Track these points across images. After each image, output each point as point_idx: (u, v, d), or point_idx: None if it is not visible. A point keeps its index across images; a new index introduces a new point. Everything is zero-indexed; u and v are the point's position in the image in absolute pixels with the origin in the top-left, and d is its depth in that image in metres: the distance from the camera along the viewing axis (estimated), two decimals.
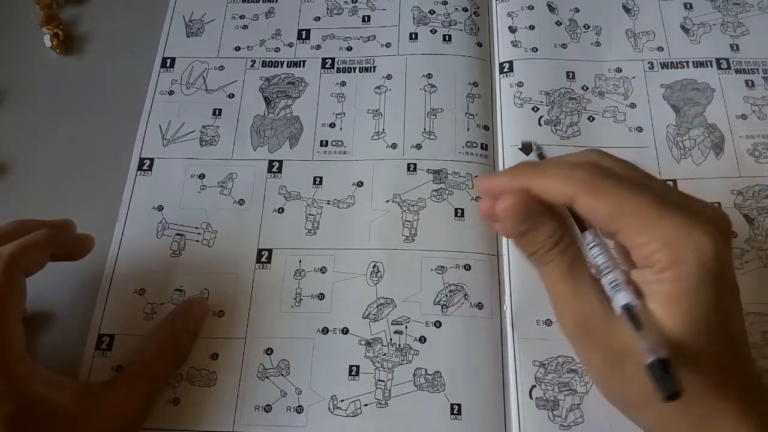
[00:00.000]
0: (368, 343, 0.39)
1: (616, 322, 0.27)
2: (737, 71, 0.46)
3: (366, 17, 0.50)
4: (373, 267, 0.40)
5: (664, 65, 0.47)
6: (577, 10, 0.49)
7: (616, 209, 0.27)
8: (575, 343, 0.29)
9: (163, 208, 0.43)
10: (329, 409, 0.37)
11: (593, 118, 0.45)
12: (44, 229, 0.35)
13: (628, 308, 0.26)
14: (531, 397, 0.37)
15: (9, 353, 0.31)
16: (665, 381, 0.24)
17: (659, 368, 0.24)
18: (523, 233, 0.28)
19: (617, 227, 0.27)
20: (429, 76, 0.47)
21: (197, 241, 0.42)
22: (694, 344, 0.25)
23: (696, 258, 0.25)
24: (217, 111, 0.46)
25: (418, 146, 0.44)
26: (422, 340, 0.39)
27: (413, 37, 0.48)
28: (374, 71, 0.47)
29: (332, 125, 0.45)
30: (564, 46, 0.48)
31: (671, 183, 0.42)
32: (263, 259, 0.41)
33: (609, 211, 0.27)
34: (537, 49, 0.47)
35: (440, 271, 0.40)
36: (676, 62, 0.47)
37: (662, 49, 0.47)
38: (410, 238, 0.41)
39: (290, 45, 0.49)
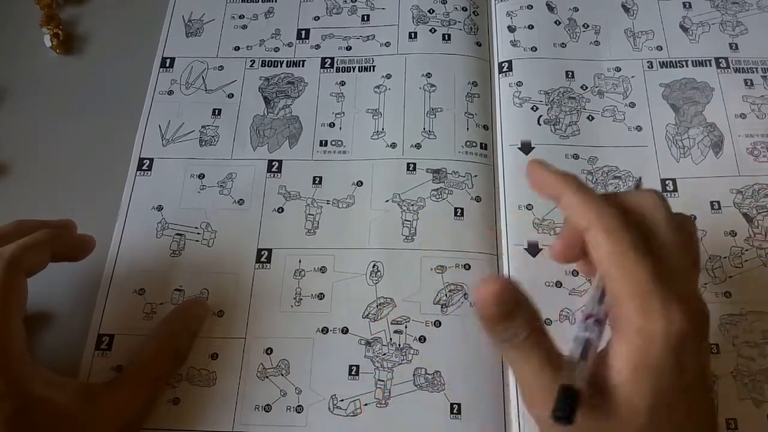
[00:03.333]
0: (368, 343, 0.39)
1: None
2: (736, 70, 0.46)
3: (365, 16, 0.50)
4: (373, 267, 0.40)
5: (664, 64, 0.47)
6: (576, 10, 0.49)
7: (617, 258, 0.27)
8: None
9: (162, 208, 0.43)
10: (329, 408, 0.37)
11: (592, 118, 0.45)
12: (45, 230, 0.35)
13: (586, 341, 0.27)
14: None
15: (10, 353, 0.31)
16: (565, 405, 0.24)
17: (569, 395, 0.25)
18: (502, 318, 0.28)
19: (608, 275, 0.27)
20: (428, 75, 0.47)
21: (197, 241, 0.42)
22: (643, 413, 0.26)
23: (664, 336, 0.25)
24: (216, 111, 0.46)
25: (418, 146, 0.44)
26: (422, 339, 0.39)
27: (412, 36, 0.48)
28: (373, 71, 0.47)
29: (332, 125, 0.45)
30: (563, 45, 0.48)
31: (671, 182, 0.43)
32: (263, 259, 0.41)
33: (611, 253, 0.27)
34: (536, 49, 0.47)
35: (440, 271, 0.40)
36: (676, 61, 0.47)
37: (661, 48, 0.47)
38: (410, 237, 0.41)
39: (289, 45, 0.49)
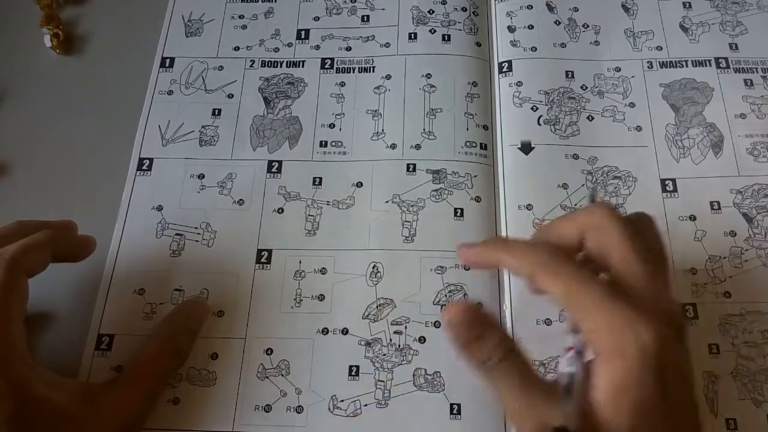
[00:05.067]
0: (368, 344, 0.39)
1: None
2: (736, 70, 0.46)
3: (365, 17, 0.50)
4: (373, 267, 0.40)
5: (663, 64, 0.47)
6: (576, 10, 0.49)
7: (569, 292, 0.27)
8: None
9: (162, 208, 0.43)
10: (329, 409, 0.37)
11: (592, 118, 0.45)
12: (46, 230, 0.35)
13: (569, 377, 0.27)
14: None
15: (11, 353, 0.31)
16: None
17: None
18: (473, 340, 0.29)
19: (571, 310, 0.28)
20: (428, 75, 0.47)
21: (197, 241, 0.42)
22: None
23: (637, 351, 0.25)
24: (216, 111, 0.46)
25: (418, 146, 0.44)
26: (422, 340, 0.39)
27: (412, 36, 0.48)
28: (373, 71, 0.47)
29: (332, 126, 0.45)
30: (563, 45, 0.48)
31: (670, 182, 0.43)
32: (263, 260, 0.41)
33: (563, 292, 0.27)
34: (536, 49, 0.47)
35: (440, 271, 0.40)
36: (675, 61, 0.47)
37: (661, 48, 0.47)
38: (410, 238, 0.41)
39: (289, 45, 0.49)
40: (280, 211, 0.43)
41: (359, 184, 0.43)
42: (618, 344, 0.26)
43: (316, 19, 0.50)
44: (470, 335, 0.29)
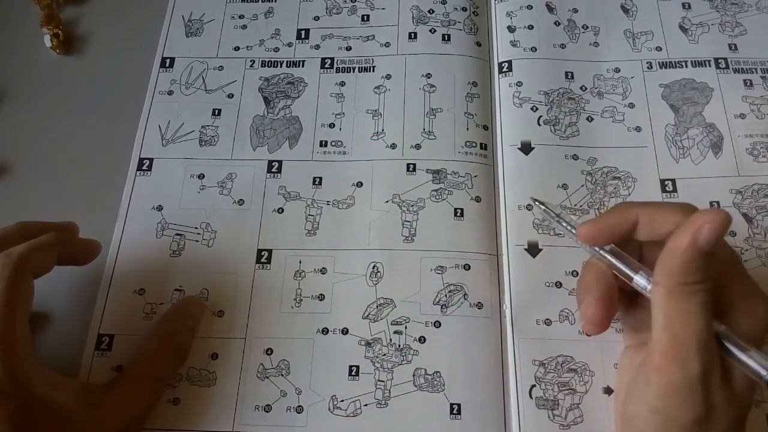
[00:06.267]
0: (368, 344, 0.39)
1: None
2: (735, 71, 0.46)
3: (365, 17, 0.50)
4: (373, 267, 0.41)
5: (663, 65, 0.47)
6: (575, 11, 0.49)
7: (735, 258, 0.32)
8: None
9: (162, 208, 0.43)
10: (329, 409, 0.37)
11: (592, 118, 0.45)
12: (53, 233, 0.36)
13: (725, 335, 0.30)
14: (531, 397, 0.37)
15: (15, 353, 0.31)
16: None
17: None
18: (708, 255, 0.29)
19: (729, 273, 0.31)
20: (428, 75, 0.47)
21: (197, 241, 0.42)
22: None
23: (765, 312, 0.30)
24: (216, 111, 0.46)
25: (418, 146, 0.44)
26: (422, 340, 0.39)
27: (412, 36, 0.48)
28: (373, 71, 0.47)
29: (332, 125, 0.45)
30: (563, 46, 0.48)
31: (670, 182, 0.43)
32: (263, 260, 0.41)
33: (732, 255, 0.32)
34: (536, 49, 0.47)
35: (440, 271, 0.40)
36: (675, 62, 0.47)
37: (661, 48, 0.47)
38: (410, 238, 0.41)
39: (289, 45, 0.49)
40: (280, 211, 0.43)
41: (359, 184, 0.43)
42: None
43: (316, 18, 0.50)
44: (711, 248, 0.29)
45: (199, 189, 0.44)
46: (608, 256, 0.33)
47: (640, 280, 0.31)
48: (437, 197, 0.43)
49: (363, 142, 0.45)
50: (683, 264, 0.28)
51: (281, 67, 0.48)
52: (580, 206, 0.42)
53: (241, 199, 0.43)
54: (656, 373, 0.29)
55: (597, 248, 0.33)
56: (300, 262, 0.41)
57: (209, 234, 0.42)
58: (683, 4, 0.49)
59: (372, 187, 0.43)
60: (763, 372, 0.28)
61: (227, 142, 0.45)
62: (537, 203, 0.36)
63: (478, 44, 0.48)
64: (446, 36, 0.48)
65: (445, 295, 0.40)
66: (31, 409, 0.31)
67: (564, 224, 0.35)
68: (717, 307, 0.30)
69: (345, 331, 0.39)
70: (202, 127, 0.46)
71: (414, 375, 0.38)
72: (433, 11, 0.49)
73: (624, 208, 0.32)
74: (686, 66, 0.47)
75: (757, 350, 0.29)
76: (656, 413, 0.30)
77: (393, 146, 0.44)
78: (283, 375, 0.38)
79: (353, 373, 0.38)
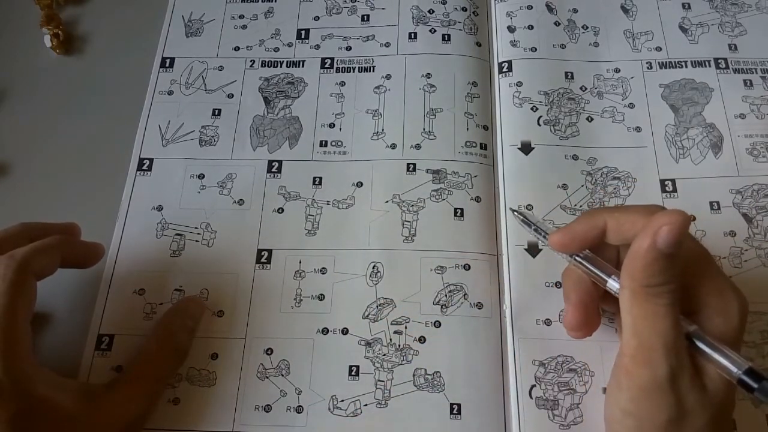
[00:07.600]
0: (368, 344, 0.39)
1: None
2: (735, 71, 0.46)
3: (365, 17, 0.50)
4: (373, 267, 0.41)
5: (663, 65, 0.47)
6: (575, 11, 0.49)
7: (705, 254, 0.31)
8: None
9: (162, 208, 0.43)
10: (329, 409, 0.37)
11: (592, 119, 0.45)
12: (57, 235, 0.36)
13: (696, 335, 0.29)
14: (531, 397, 0.37)
15: (17, 354, 0.31)
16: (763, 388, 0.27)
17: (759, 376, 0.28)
18: (671, 256, 0.29)
19: (699, 272, 0.31)
20: (428, 75, 0.47)
21: (197, 241, 0.42)
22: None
23: (739, 309, 0.30)
24: (216, 111, 0.46)
25: (418, 146, 0.44)
26: (422, 340, 0.39)
27: (412, 36, 0.48)
28: (373, 71, 0.47)
29: (332, 125, 0.45)
30: (563, 46, 0.48)
31: (670, 182, 0.43)
32: (263, 260, 0.41)
33: (703, 250, 0.31)
34: (536, 49, 0.47)
35: (440, 271, 0.40)
36: (675, 62, 0.47)
37: (660, 49, 0.47)
38: (410, 238, 0.41)
39: (289, 45, 0.49)
40: (280, 211, 0.43)
41: (359, 184, 0.43)
42: (728, 303, 0.30)
43: (316, 18, 0.50)
44: (673, 250, 0.29)
45: (199, 189, 0.44)
46: (583, 262, 0.33)
47: (612, 284, 0.32)
48: (437, 197, 0.43)
49: (363, 142, 0.45)
50: (645, 266, 0.29)
51: (281, 67, 0.48)
52: (580, 206, 0.42)
53: (241, 199, 0.43)
54: (626, 377, 0.30)
55: (572, 255, 0.33)
56: (300, 262, 0.41)
57: (209, 234, 0.42)
58: (683, 5, 0.49)
59: (372, 187, 0.43)
60: (734, 369, 0.28)
61: (227, 142, 0.45)
62: (515, 214, 0.37)
63: (478, 44, 0.48)
64: (446, 36, 0.48)
65: (445, 295, 0.40)
66: (32, 410, 0.31)
67: (541, 234, 0.35)
68: (689, 307, 0.30)
69: (345, 331, 0.39)
70: (202, 127, 0.46)
71: (414, 375, 0.38)
72: (433, 11, 0.49)
73: (591, 214, 0.33)
74: (686, 66, 0.47)
75: (727, 347, 0.29)
76: (629, 416, 0.30)
77: (393, 146, 0.44)
78: (283, 375, 0.38)
79: (353, 373, 0.38)
